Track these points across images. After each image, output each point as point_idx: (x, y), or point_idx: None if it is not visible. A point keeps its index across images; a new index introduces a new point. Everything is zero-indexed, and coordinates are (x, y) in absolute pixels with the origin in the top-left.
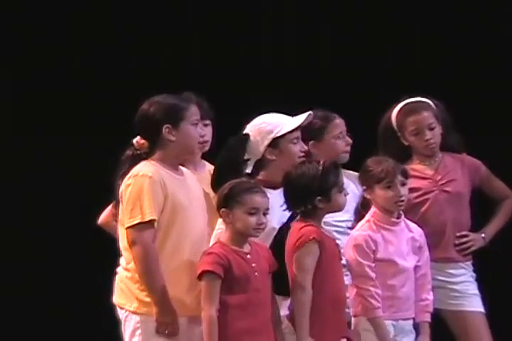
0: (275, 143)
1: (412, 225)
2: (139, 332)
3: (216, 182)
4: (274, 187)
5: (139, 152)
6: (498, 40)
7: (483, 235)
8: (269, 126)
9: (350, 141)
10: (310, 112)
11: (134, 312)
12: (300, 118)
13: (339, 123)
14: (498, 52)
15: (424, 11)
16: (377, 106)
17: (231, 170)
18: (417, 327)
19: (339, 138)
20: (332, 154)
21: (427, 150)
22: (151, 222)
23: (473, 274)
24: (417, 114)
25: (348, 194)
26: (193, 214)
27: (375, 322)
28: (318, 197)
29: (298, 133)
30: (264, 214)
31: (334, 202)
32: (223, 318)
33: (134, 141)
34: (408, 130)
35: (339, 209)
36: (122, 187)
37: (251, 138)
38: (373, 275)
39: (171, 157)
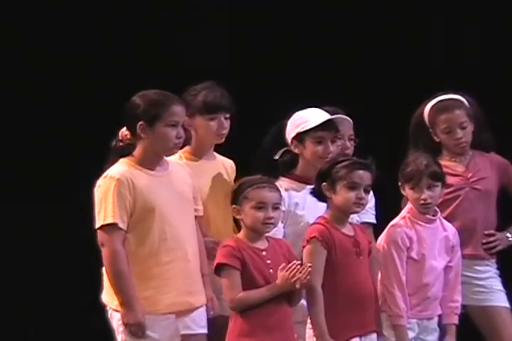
0: (301, 137)
1: (447, 224)
2: (121, 329)
3: (252, 166)
4: (308, 183)
5: (121, 144)
6: None
7: (508, 235)
8: (300, 120)
9: (348, 145)
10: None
11: (115, 310)
12: (321, 118)
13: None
14: None
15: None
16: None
17: (264, 155)
18: (440, 324)
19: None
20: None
21: (457, 148)
22: (116, 225)
23: (497, 271)
24: (449, 112)
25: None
26: (173, 211)
27: (397, 329)
28: (324, 183)
29: (325, 134)
30: (275, 208)
31: (338, 195)
32: (238, 313)
33: (120, 131)
34: (440, 127)
35: (344, 206)
36: (95, 188)
37: (287, 128)
38: (403, 277)
39: (149, 153)
